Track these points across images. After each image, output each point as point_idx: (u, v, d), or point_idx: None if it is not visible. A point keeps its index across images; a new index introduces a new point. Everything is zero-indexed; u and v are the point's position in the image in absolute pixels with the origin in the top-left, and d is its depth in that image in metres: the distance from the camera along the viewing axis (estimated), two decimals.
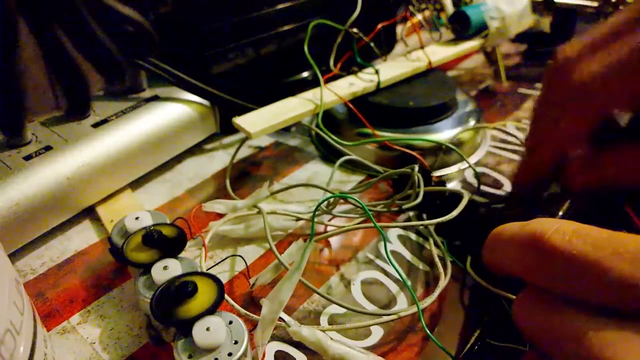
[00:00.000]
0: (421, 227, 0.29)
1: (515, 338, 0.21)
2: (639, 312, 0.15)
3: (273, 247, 0.24)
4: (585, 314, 0.16)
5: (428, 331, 0.22)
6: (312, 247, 0.22)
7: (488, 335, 0.23)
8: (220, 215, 0.29)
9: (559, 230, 0.17)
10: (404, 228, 0.29)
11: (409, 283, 0.25)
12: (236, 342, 0.19)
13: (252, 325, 0.21)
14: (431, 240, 0.27)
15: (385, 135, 0.34)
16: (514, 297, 0.23)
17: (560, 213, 0.29)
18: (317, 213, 0.28)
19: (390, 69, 0.38)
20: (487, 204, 0.30)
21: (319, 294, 0.23)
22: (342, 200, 0.30)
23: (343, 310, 0.24)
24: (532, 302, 0.18)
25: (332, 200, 0.29)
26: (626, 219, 0.27)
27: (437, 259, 0.26)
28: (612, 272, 0.15)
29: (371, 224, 0.22)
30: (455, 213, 0.25)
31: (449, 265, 0.26)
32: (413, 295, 0.23)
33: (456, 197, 0.28)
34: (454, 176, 0.34)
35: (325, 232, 0.28)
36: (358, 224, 0.27)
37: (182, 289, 0.20)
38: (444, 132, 0.35)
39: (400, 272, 0.24)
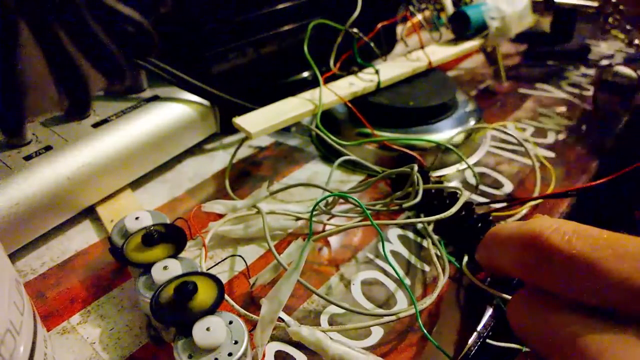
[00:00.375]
0: (420, 226, 0.29)
1: (513, 339, 0.21)
2: (637, 315, 0.15)
3: (272, 247, 0.24)
4: (582, 317, 0.16)
5: (426, 332, 0.22)
6: (311, 247, 0.22)
7: (486, 335, 0.23)
8: (220, 215, 0.29)
9: (559, 229, 0.17)
10: (403, 227, 0.29)
11: (406, 283, 0.25)
12: (236, 342, 0.19)
13: (252, 325, 0.21)
14: (429, 240, 0.27)
15: (385, 135, 0.34)
16: (506, 295, 0.23)
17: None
18: (316, 213, 0.28)
19: (391, 69, 0.38)
20: (486, 204, 0.30)
21: (317, 294, 0.23)
22: (342, 200, 0.30)
23: (343, 310, 0.24)
24: (527, 303, 0.18)
25: (331, 199, 0.29)
26: (634, 222, 0.28)
27: (435, 259, 0.26)
28: (612, 273, 0.15)
29: (369, 223, 0.22)
30: (453, 210, 0.25)
31: (447, 265, 0.26)
32: (411, 296, 0.23)
33: (455, 196, 0.28)
34: (454, 176, 0.34)
35: (324, 231, 0.28)
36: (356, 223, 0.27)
37: (182, 289, 0.20)
38: (444, 132, 0.35)
39: (397, 272, 0.24)
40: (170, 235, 0.23)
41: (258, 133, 0.31)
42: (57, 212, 0.28)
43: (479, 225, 0.27)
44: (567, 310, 0.16)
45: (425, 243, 0.28)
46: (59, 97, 0.31)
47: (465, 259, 0.26)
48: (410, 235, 0.29)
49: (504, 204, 0.30)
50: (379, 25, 0.39)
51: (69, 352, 0.22)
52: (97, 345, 0.22)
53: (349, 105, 0.34)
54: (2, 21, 0.26)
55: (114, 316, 0.24)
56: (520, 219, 0.29)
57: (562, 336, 0.16)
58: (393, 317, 0.22)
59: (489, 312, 0.24)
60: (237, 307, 0.23)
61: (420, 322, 0.22)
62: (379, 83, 0.36)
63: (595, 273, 0.16)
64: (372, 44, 0.37)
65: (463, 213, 0.27)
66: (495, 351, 0.22)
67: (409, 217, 0.30)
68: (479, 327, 0.23)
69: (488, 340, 0.23)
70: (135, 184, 0.33)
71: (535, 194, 0.31)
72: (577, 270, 0.16)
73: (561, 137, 0.39)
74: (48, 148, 0.29)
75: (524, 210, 0.30)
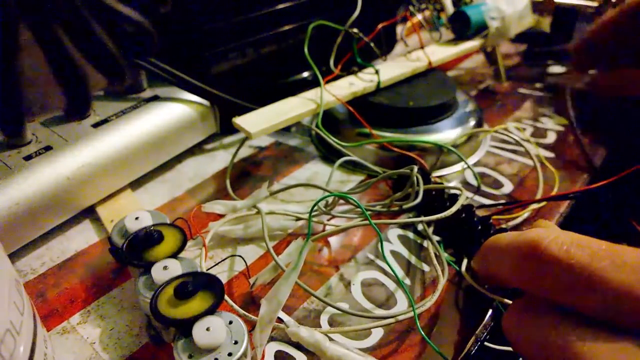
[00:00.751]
0: (420, 227, 0.29)
1: None
2: (635, 325, 0.15)
3: (270, 248, 0.24)
4: (578, 328, 0.16)
5: (424, 335, 0.22)
6: (309, 247, 0.22)
7: (485, 338, 0.23)
8: (220, 215, 0.29)
9: (557, 239, 0.17)
10: (403, 228, 0.29)
11: (404, 284, 0.25)
12: (236, 342, 0.19)
13: (252, 326, 0.21)
14: (429, 242, 0.27)
15: (386, 135, 0.34)
16: (505, 299, 0.23)
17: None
18: (316, 213, 0.28)
19: (390, 69, 0.38)
20: (487, 206, 0.30)
21: (315, 296, 0.23)
22: (342, 201, 0.30)
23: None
24: (523, 314, 0.18)
25: (331, 200, 0.29)
26: (630, 230, 0.28)
27: (435, 261, 0.26)
28: (610, 284, 0.15)
29: (368, 223, 0.22)
30: (452, 210, 0.25)
31: (446, 267, 0.26)
32: (410, 298, 0.23)
33: (455, 198, 0.28)
34: (454, 176, 0.34)
35: (324, 231, 0.28)
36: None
37: (182, 289, 0.20)
38: (444, 132, 0.35)
39: (396, 273, 0.24)
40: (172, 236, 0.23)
41: (258, 133, 0.31)
42: (57, 212, 0.28)
43: (479, 228, 0.27)
44: (563, 321, 0.16)
45: (425, 244, 0.28)
46: (59, 97, 0.31)
47: (465, 261, 0.26)
48: (411, 235, 0.29)
49: (505, 207, 0.30)
50: (379, 26, 0.39)
51: (69, 352, 0.22)
52: (97, 345, 0.22)
53: (348, 106, 0.34)
54: (2, 21, 0.26)
55: (114, 316, 0.24)
56: (521, 222, 0.29)
57: (557, 347, 0.16)
58: (392, 320, 0.22)
59: (488, 314, 0.24)
60: (236, 307, 0.23)
61: (419, 324, 0.22)
62: (379, 83, 0.36)
63: (594, 283, 0.16)
64: (372, 44, 0.37)
65: (463, 215, 0.27)
66: (494, 354, 0.22)
67: (409, 218, 0.30)
68: (478, 330, 0.23)
69: (486, 343, 0.23)
70: (135, 184, 0.33)
71: (538, 197, 0.31)
72: (575, 280, 0.16)
73: (561, 137, 0.39)
74: (48, 148, 0.29)
75: (525, 213, 0.29)
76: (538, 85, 0.47)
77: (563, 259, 0.17)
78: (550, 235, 0.17)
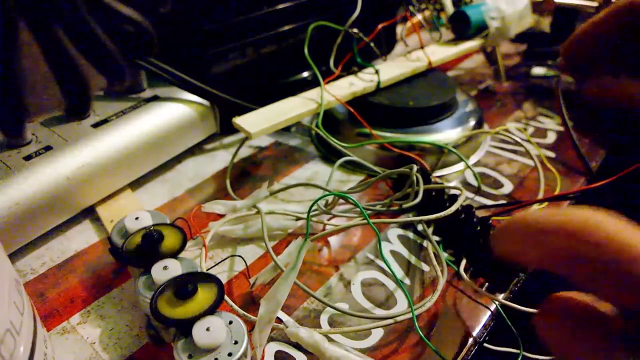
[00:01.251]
0: (420, 227, 0.29)
1: (510, 343, 0.21)
2: None
3: (269, 248, 0.24)
4: (622, 340, 0.14)
5: (423, 336, 0.22)
6: (308, 246, 0.22)
7: (484, 339, 0.23)
8: (220, 215, 0.29)
9: (608, 220, 0.15)
10: (404, 228, 0.29)
11: (404, 284, 0.25)
12: (236, 342, 0.19)
13: (252, 326, 0.21)
14: (429, 242, 0.27)
15: (386, 135, 0.34)
16: (506, 300, 0.23)
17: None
18: (316, 213, 0.28)
19: (390, 69, 0.38)
20: (488, 207, 0.30)
21: (314, 296, 0.23)
22: (343, 201, 0.30)
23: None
24: (566, 319, 0.16)
25: (331, 199, 0.29)
26: None
27: (435, 262, 0.26)
28: None
29: (367, 222, 0.22)
30: (452, 209, 0.25)
31: (446, 268, 0.25)
32: (409, 299, 0.23)
33: (456, 198, 0.28)
34: (454, 176, 0.34)
35: (324, 231, 0.28)
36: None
37: (182, 289, 0.20)
38: (444, 132, 0.35)
39: (395, 273, 0.24)
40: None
41: (258, 133, 0.31)
42: (57, 212, 0.28)
43: (479, 228, 0.27)
44: (613, 336, 0.15)
45: (425, 244, 0.28)
46: (59, 97, 0.31)
47: (464, 262, 0.26)
48: (411, 235, 0.29)
49: (506, 208, 0.29)
50: (379, 26, 0.39)
51: (69, 352, 0.22)
52: (97, 345, 0.22)
53: (348, 107, 0.34)
54: (2, 21, 0.26)
55: (114, 316, 0.24)
56: None
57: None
58: (390, 321, 0.22)
59: (487, 315, 0.24)
60: (236, 307, 0.23)
61: (417, 325, 0.22)
62: (379, 83, 0.36)
63: None
64: (372, 44, 0.37)
65: (462, 216, 0.27)
66: (493, 355, 0.22)
67: (408, 217, 0.30)
68: (477, 331, 0.23)
69: (485, 344, 0.23)
70: (135, 184, 0.33)
71: (540, 197, 0.31)
72: (630, 268, 0.14)
73: (561, 137, 0.38)
74: (48, 148, 0.29)
75: None
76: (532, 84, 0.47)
77: (625, 246, 0.14)
78: (599, 215, 0.15)
